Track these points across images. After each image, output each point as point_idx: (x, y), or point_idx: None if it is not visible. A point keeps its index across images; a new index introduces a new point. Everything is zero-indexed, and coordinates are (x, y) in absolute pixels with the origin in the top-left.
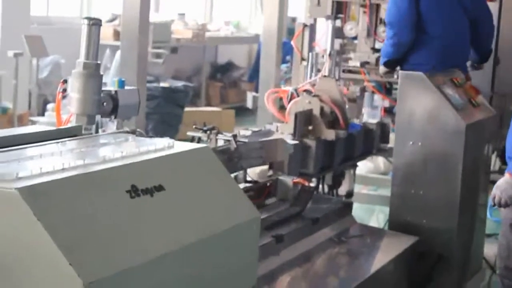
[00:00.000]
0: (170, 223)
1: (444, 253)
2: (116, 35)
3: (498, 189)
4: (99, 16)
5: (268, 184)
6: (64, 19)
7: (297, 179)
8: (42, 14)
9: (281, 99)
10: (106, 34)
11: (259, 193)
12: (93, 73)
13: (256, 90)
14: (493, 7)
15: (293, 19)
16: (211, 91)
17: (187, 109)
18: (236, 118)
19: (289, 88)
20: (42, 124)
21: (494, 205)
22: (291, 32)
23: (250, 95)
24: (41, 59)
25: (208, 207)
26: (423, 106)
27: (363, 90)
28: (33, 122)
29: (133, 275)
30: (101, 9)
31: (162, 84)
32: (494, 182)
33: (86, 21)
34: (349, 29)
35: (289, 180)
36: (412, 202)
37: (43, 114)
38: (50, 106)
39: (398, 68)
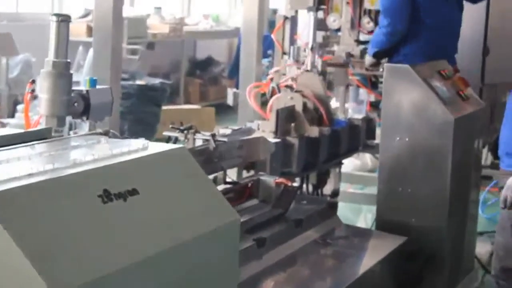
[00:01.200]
0: (145, 228)
1: (434, 253)
2: (89, 31)
3: (510, 189)
4: (72, 12)
5: (249, 185)
6: (35, 15)
7: (279, 179)
8: (11, 11)
9: (263, 94)
10: (78, 30)
11: (239, 194)
12: (62, 72)
13: (237, 87)
14: None
15: (274, 11)
16: (190, 88)
17: (164, 107)
18: (217, 116)
19: (271, 74)
20: (12, 126)
21: (505, 207)
22: (272, 25)
23: (230, 92)
24: (11, 58)
25: (184, 211)
26: (409, 100)
27: (349, 55)
28: (3, 124)
29: (106, 284)
30: (74, 5)
31: (138, 82)
32: (485, 178)
33: (54, 18)
34: (332, 21)
35: (271, 180)
36: (400, 201)
37: (13, 116)
38: (20, 107)
39: (384, 60)
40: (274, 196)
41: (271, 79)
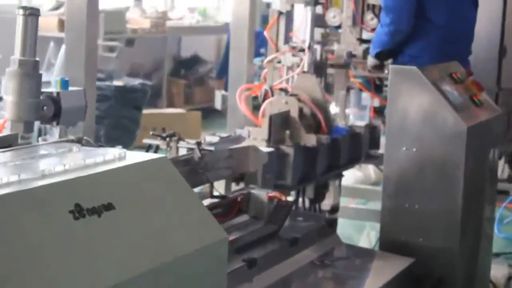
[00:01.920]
0: (122, 248)
1: (444, 277)
2: (61, 25)
3: None
4: (42, 3)
5: (238, 199)
6: (1, 7)
7: (272, 193)
8: None
9: (255, 97)
10: (50, 24)
11: (227, 210)
12: (30, 72)
13: (226, 88)
14: None
15: (268, 5)
16: (174, 90)
17: (145, 111)
18: (203, 121)
19: (265, 66)
20: None
21: None
22: (265, 20)
23: (218, 94)
24: None
25: (166, 228)
26: (417, 105)
27: (350, 55)
28: None
29: None
30: None
31: (116, 83)
32: (502, 193)
33: (21, 11)
34: (332, 16)
35: (263, 194)
36: (406, 218)
37: None
38: None
39: (389, 61)
40: (267, 212)
41: (264, 80)
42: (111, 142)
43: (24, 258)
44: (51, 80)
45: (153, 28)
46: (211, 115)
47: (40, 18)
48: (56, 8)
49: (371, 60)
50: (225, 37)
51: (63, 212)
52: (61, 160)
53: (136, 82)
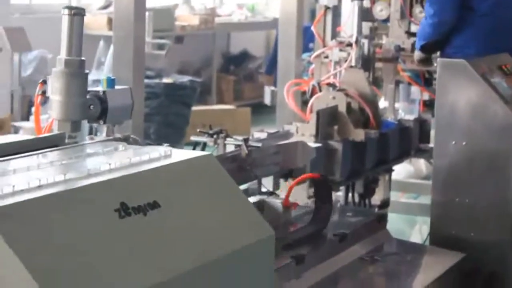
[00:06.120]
0: (167, 246)
1: (496, 272)
2: (111, 24)
3: None
4: (92, 3)
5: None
6: (50, 7)
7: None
8: (24, 2)
9: (304, 93)
10: (99, 23)
11: None
12: (76, 71)
13: (275, 84)
14: None
15: (316, 0)
16: (223, 86)
17: (195, 108)
18: (253, 117)
19: (312, 60)
20: (26, 130)
21: None
22: (314, 15)
23: (268, 90)
24: (24, 54)
25: (212, 226)
26: (466, 99)
27: (398, 49)
28: (16, 128)
29: None
30: None
31: (165, 80)
32: None
33: (66, 11)
34: (379, 10)
35: (277, 202)
36: (457, 212)
37: (27, 118)
38: None
39: (437, 54)
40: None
41: (312, 75)
42: (160, 139)
43: (70, 257)
44: (102, 78)
45: (202, 25)
46: (261, 110)
47: (89, 17)
48: (106, 7)
49: (417, 54)
50: (274, 32)
51: (108, 211)
52: (107, 159)
53: (185, 79)
